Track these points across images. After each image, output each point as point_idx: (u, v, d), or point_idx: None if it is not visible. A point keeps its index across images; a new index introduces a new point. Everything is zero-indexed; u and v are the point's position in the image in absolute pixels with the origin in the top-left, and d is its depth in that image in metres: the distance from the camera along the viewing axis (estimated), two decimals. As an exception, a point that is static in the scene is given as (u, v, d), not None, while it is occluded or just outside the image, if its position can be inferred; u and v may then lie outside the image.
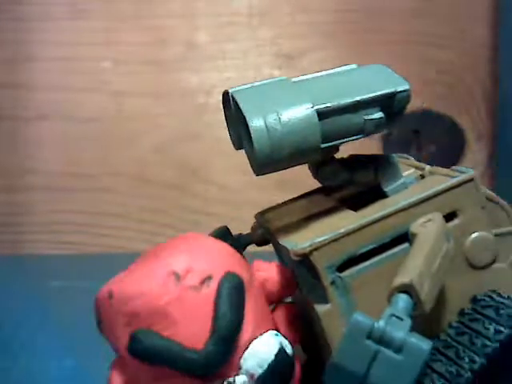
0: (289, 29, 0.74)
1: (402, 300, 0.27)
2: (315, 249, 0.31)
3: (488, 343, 0.29)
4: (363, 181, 0.35)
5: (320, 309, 0.31)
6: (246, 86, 0.34)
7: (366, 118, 0.32)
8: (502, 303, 0.31)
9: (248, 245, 0.39)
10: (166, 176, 0.74)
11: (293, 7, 0.74)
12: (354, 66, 0.36)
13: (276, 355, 0.31)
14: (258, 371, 0.31)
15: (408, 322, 0.26)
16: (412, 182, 0.35)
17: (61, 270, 0.66)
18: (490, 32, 0.75)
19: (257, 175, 0.33)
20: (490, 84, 0.75)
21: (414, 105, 0.79)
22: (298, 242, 0.32)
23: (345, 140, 0.32)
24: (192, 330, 0.30)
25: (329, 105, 0.31)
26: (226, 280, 0.31)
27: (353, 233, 0.31)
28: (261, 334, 0.31)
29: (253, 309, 0.31)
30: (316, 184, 0.38)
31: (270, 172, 0.33)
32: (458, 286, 0.33)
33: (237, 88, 0.34)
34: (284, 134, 0.31)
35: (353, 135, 0.32)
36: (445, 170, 0.35)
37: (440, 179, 0.34)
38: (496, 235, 0.34)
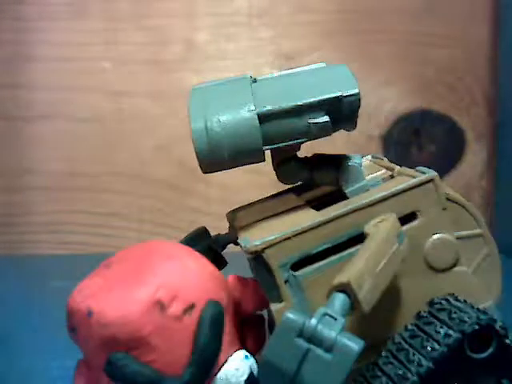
0: (289, 29, 0.74)
1: (339, 299, 0.27)
2: (268, 246, 0.31)
3: (437, 347, 0.29)
4: (324, 181, 0.35)
5: (274, 307, 0.31)
6: (205, 84, 0.34)
7: (311, 121, 0.31)
8: (456, 307, 0.31)
9: (227, 244, 0.39)
10: (165, 176, 0.74)
11: (293, 7, 0.74)
12: (320, 64, 0.35)
13: (246, 381, 0.31)
14: None
15: (341, 322, 0.26)
16: (376, 183, 0.35)
17: (61, 270, 0.66)
18: (490, 32, 0.75)
19: (203, 173, 0.33)
20: (489, 84, 0.75)
21: (414, 105, 0.79)
22: (252, 239, 0.32)
23: (289, 143, 0.32)
24: (171, 358, 0.30)
25: (270, 108, 0.31)
26: (208, 309, 0.31)
27: (306, 231, 0.31)
28: (230, 355, 0.32)
29: (228, 331, 0.32)
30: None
31: (217, 171, 0.33)
32: (418, 289, 0.33)
33: (198, 86, 0.34)
34: (223, 136, 0.31)
35: (296, 138, 0.32)
36: (411, 171, 0.35)
37: (403, 180, 0.34)
38: (459, 238, 0.33)
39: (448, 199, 0.34)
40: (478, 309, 0.31)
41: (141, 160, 0.74)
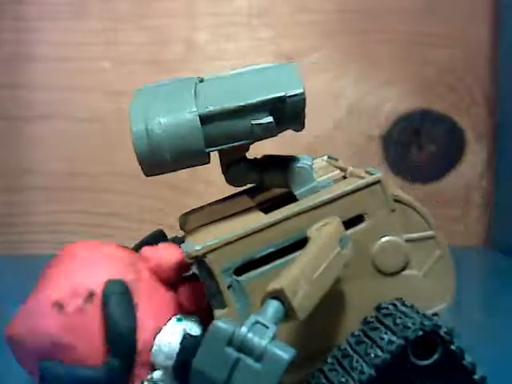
0: (289, 29, 0.74)
1: (272, 306, 0.26)
2: (209, 251, 0.30)
3: (379, 354, 0.29)
4: (274, 184, 0.35)
5: (218, 313, 0.31)
6: (150, 86, 0.34)
7: (254, 122, 0.31)
8: (402, 312, 0.30)
9: None
10: (165, 176, 0.74)
11: (293, 7, 0.74)
12: (266, 65, 0.34)
13: (182, 343, 0.31)
14: (170, 363, 0.31)
15: (272, 330, 0.25)
16: (328, 185, 0.34)
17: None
18: (490, 32, 0.75)
19: (146, 176, 0.33)
20: (489, 84, 0.75)
21: (414, 105, 0.79)
22: (193, 244, 0.31)
23: (232, 144, 0.31)
24: (91, 349, 0.31)
25: (211, 109, 0.31)
26: (108, 290, 0.31)
27: (249, 235, 0.31)
28: (165, 325, 0.32)
29: (148, 304, 0.32)
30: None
31: (160, 173, 0.33)
32: (366, 293, 0.32)
33: (144, 87, 0.34)
34: (164, 138, 0.31)
35: (240, 140, 0.31)
36: (362, 172, 0.34)
37: (351, 181, 0.33)
38: (409, 240, 0.33)
39: (397, 201, 0.33)
40: (423, 314, 0.30)
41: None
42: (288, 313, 0.26)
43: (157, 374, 0.31)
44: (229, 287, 0.31)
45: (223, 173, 0.34)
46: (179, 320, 0.32)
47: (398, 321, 0.30)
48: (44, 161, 0.74)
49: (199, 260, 0.30)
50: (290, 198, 0.33)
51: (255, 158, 0.35)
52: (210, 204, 0.36)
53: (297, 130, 0.33)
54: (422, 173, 0.76)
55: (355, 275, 0.32)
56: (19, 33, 0.73)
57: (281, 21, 0.74)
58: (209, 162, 0.32)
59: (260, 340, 0.25)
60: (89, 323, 0.31)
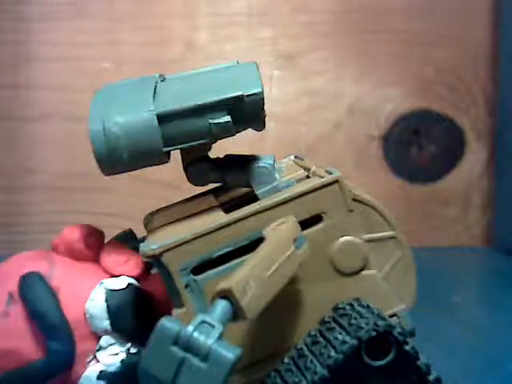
0: (289, 29, 0.74)
1: (221, 306, 0.26)
2: (166, 250, 0.30)
3: (332, 354, 0.28)
4: (236, 183, 0.34)
5: (175, 313, 0.31)
6: (112, 84, 0.34)
7: (212, 121, 0.31)
8: (358, 312, 0.30)
9: None
10: (166, 176, 0.74)
11: (293, 7, 0.74)
12: (232, 63, 0.35)
13: (106, 301, 0.32)
14: (105, 323, 0.32)
15: (219, 329, 0.25)
16: (290, 184, 0.34)
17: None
18: (490, 32, 0.75)
19: (105, 175, 0.33)
20: (489, 84, 0.75)
21: (414, 105, 0.79)
22: (153, 243, 0.31)
23: (191, 143, 0.31)
24: (29, 345, 0.31)
25: (169, 108, 0.30)
26: (22, 287, 0.32)
27: (206, 234, 0.31)
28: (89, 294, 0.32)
29: (69, 283, 0.32)
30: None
31: (119, 173, 0.32)
32: (325, 293, 0.32)
33: (105, 86, 0.33)
34: (121, 137, 0.30)
35: (198, 139, 0.31)
36: (322, 172, 0.33)
37: (311, 181, 0.33)
38: (369, 240, 0.33)
39: (357, 200, 0.33)
40: (378, 314, 0.30)
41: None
42: (236, 312, 0.26)
43: (103, 341, 0.32)
44: (186, 286, 0.31)
45: (185, 172, 0.34)
46: (101, 284, 0.33)
47: (353, 321, 0.30)
48: (44, 161, 0.74)
49: (156, 259, 0.30)
50: (254, 198, 0.33)
51: (217, 158, 0.35)
52: (175, 203, 0.37)
53: (258, 130, 0.33)
54: (422, 173, 0.76)
55: (314, 275, 0.32)
56: (19, 33, 0.73)
57: (281, 21, 0.74)
58: (167, 162, 0.32)
59: (206, 339, 0.24)
60: (17, 321, 0.32)
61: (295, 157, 0.39)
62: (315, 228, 0.32)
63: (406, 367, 0.29)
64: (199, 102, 0.30)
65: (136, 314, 0.32)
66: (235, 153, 0.36)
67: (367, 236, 0.33)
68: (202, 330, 0.25)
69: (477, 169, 0.76)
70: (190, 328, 0.25)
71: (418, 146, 0.76)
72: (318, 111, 0.75)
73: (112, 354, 0.32)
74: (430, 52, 0.75)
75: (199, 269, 0.31)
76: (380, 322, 0.29)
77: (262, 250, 0.28)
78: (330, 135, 0.75)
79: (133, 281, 0.33)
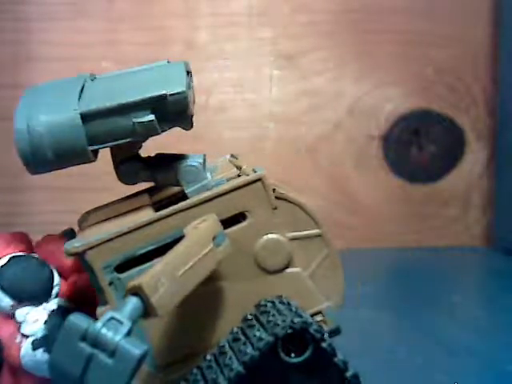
0: (289, 29, 0.74)
1: (131, 303, 0.26)
2: (89, 248, 0.31)
3: (249, 350, 0.29)
4: (166, 182, 0.35)
5: (99, 310, 0.31)
6: (42, 84, 0.34)
7: (135, 120, 0.31)
8: (277, 310, 0.30)
9: None
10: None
11: (293, 7, 0.74)
12: (161, 62, 0.35)
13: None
14: (7, 300, 0.32)
15: (127, 326, 0.25)
16: (220, 183, 0.34)
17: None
18: (490, 32, 0.75)
19: (31, 174, 0.33)
20: (489, 84, 0.75)
21: (414, 105, 0.79)
22: (76, 241, 0.31)
23: (116, 142, 0.31)
24: None
25: (93, 107, 0.31)
26: None
27: (129, 233, 0.31)
28: None
29: None
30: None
31: (44, 172, 0.33)
32: (249, 291, 0.32)
33: (34, 85, 0.34)
34: (45, 136, 0.31)
35: (123, 138, 0.31)
36: (250, 171, 0.34)
37: (236, 180, 0.33)
38: (295, 238, 0.33)
39: (281, 199, 0.33)
40: (296, 312, 0.30)
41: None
42: (147, 309, 0.26)
43: (18, 316, 0.33)
44: (110, 284, 0.31)
45: (115, 170, 0.34)
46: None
47: (271, 318, 0.30)
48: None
49: (80, 257, 0.31)
50: (184, 197, 0.33)
51: (148, 157, 0.35)
52: (111, 202, 0.36)
53: (186, 129, 0.34)
54: (422, 173, 0.76)
55: (238, 273, 0.32)
56: (19, 33, 0.73)
57: (281, 21, 0.74)
58: (94, 160, 0.32)
59: (113, 336, 0.25)
60: None
61: (231, 156, 0.39)
62: (239, 226, 0.32)
63: (324, 364, 0.29)
64: (122, 101, 0.31)
65: (32, 278, 0.33)
66: (169, 152, 0.36)
67: (292, 234, 0.33)
68: (110, 327, 0.25)
69: (477, 169, 0.76)
70: (99, 324, 0.25)
71: (418, 145, 0.76)
72: (318, 111, 0.75)
73: (33, 322, 0.32)
74: (430, 52, 0.75)
75: (124, 267, 0.31)
76: (296, 319, 0.29)
77: (179, 247, 0.29)
78: (330, 135, 0.75)
79: (17, 254, 0.34)
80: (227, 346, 0.30)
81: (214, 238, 0.30)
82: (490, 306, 0.56)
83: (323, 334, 0.29)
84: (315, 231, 0.33)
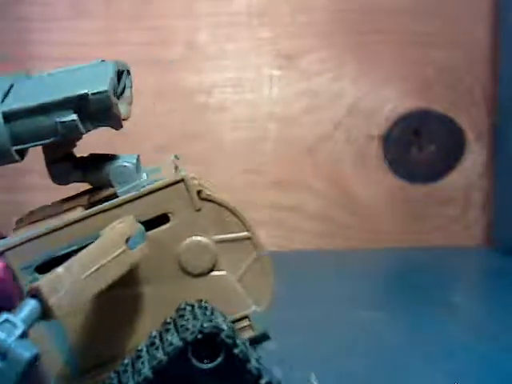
0: (289, 29, 0.74)
1: (29, 305, 0.26)
2: (7, 249, 0.30)
3: (158, 355, 0.28)
4: (99, 182, 0.34)
5: None
6: None
7: (58, 120, 0.31)
8: (194, 314, 0.30)
9: None
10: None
11: (293, 7, 0.74)
12: (95, 62, 0.34)
13: None
14: None
15: (21, 328, 0.25)
16: (152, 183, 0.34)
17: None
18: (490, 32, 0.75)
19: None
20: (489, 84, 0.75)
21: (414, 105, 0.79)
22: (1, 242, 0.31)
23: (40, 142, 0.31)
24: None
25: (14, 107, 0.30)
26: None
27: (48, 234, 0.31)
28: None
29: None
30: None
31: None
32: (173, 294, 0.32)
33: None
34: None
35: (46, 137, 0.31)
36: (177, 172, 0.34)
37: (160, 181, 0.33)
38: (222, 241, 0.32)
39: (207, 200, 0.32)
40: (209, 316, 0.29)
41: (141, 160, 0.74)
42: (45, 311, 0.26)
43: None
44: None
45: (47, 170, 0.34)
46: None
47: (184, 322, 0.29)
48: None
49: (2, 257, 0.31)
50: (116, 197, 0.33)
51: (81, 157, 0.35)
52: (52, 203, 0.36)
53: (115, 129, 0.33)
54: (421, 173, 0.76)
55: (162, 276, 0.32)
56: (19, 33, 0.73)
57: (281, 21, 0.74)
58: (19, 161, 0.32)
59: (6, 338, 0.25)
60: None
61: (174, 156, 0.39)
62: (162, 228, 0.32)
63: (238, 371, 0.29)
64: (43, 101, 0.30)
65: None
66: (99, 152, 0.36)
67: (219, 236, 0.32)
68: (3, 329, 0.25)
69: (477, 169, 0.76)
70: None
71: (418, 145, 0.76)
72: (317, 111, 0.75)
73: None
74: (430, 52, 0.75)
75: (43, 267, 0.31)
76: (206, 324, 0.28)
77: (87, 249, 0.28)
78: (330, 135, 0.75)
79: None
80: (144, 350, 0.30)
81: (127, 240, 0.29)
82: (490, 305, 0.56)
83: (236, 340, 0.28)
84: (244, 234, 0.33)
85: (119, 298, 0.30)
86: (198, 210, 0.32)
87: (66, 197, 0.36)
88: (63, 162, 0.34)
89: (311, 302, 0.55)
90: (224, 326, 0.29)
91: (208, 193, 0.33)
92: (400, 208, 0.76)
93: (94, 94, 0.30)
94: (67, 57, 0.74)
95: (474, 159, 0.76)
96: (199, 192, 0.32)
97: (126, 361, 0.30)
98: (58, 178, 0.34)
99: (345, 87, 0.75)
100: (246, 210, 0.77)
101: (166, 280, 0.32)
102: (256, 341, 0.32)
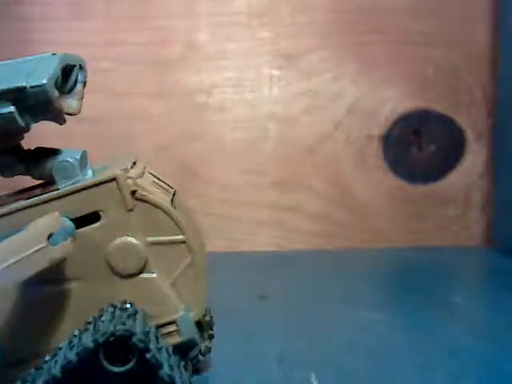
0: (289, 29, 0.74)
1: None
2: None
3: (70, 355, 0.28)
4: (42, 177, 0.34)
5: None
6: None
7: None
8: (112, 315, 0.30)
9: None
10: (166, 176, 0.74)
11: (292, 7, 0.74)
12: (44, 54, 0.34)
13: None
14: None
15: None
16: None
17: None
18: (490, 32, 0.75)
19: None
20: (489, 84, 0.75)
21: (414, 105, 0.79)
22: None
23: None
24: None
25: None
26: None
27: None
28: None
29: None
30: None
31: None
32: (101, 293, 0.31)
33: None
34: None
35: None
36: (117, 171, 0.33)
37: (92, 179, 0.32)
38: (153, 243, 0.32)
39: (142, 200, 0.32)
40: (124, 320, 0.29)
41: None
42: None
43: None
44: None
45: None
46: None
47: (100, 323, 0.29)
48: None
49: None
50: None
51: (28, 150, 0.34)
52: (10, 193, 0.36)
53: (59, 123, 0.34)
54: (421, 173, 0.76)
55: (90, 275, 0.31)
56: (20, 33, 0.73)
57: (281, 21, 0.74)
58: None
59: None
60: None
61: (130, 153, 0.38)
62: (92, 226, 0.31)
63: (149, 376, 0.28)
64: None
65: None
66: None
67: (152, 238, 0.32)
68: None
69: (477, 169, 0.76)
70: None
71: (417, 146, 0.76)
72: (317, 111, 0.75)
73: None
74: (429, 52, 0.75)
75: None
76: (119, 327, 0.28)
77: (5, 241, 0.28)
78: (330, 135, 0.75)
79: None
80: (63, 348, 0.30)
81: (50, 236, 0.29)
82: (490, 305, 0.56)
83: (148, 345, 0.28)
84: (179, 237, 0.32)
85: (47, 295, 0.30)
86: (130, 210, 0.32)
87: (18, 189, 0.36)
88: (8, 155, 0.33)
89: (311, 301, 0.55)
90: (137, 330, 0.28)
91: (143, 193, 0.32)
92: (400, 208, 0.76)
93: (32, 87, 0.30)
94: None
95: (474, 159, 0.76)
96: (134, 192, 0.32)
97: (47, 358, 0.30)
98: (3, 170, 0.34)
99: (345, 87, 0.75)
100: (246, 210, 0.78)
101: (95, 279, 0.31)
102: (183, 347, 0.32)
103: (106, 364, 0.28)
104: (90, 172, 0.33)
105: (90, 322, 0.30)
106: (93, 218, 0.32)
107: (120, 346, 0.28)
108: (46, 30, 0.73)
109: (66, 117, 0.77)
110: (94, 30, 0.73)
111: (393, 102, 0.75)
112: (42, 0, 0.73)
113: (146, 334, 0.29)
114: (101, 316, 0.30)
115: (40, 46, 0.73)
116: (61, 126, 0.79)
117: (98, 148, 0.75)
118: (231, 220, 0.73)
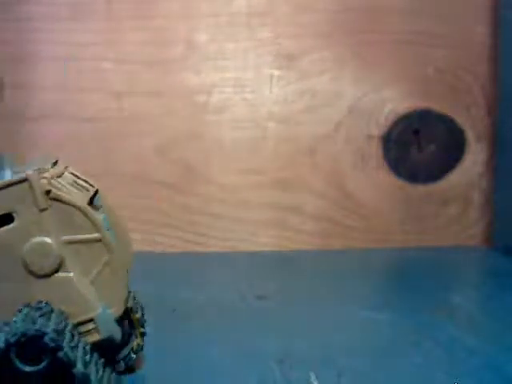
0: (289, 29, 0.74)
1: None
2: None
3: None
4: None
5: None
6: None
7: None
8: (25, 315, 0.30)
9: None
10: (165, 176, 0.74)
11: (293, 7, 0.74)
12: None
13: None
14: None
15: None
16: None
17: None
18: (490, 31, 0.75)
19: None
20: (489, 84, 0.75)
21: (414, 105, 0.79)
22: None
23: None
24: None
25: None
26: None
27: None
28: None
29: None
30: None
31: None
32: (18, 294, 0.32)
33: None
34: None
35: None
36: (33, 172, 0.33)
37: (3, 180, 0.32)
38: (68, 242, 0.32)
39: (56, 200, 0.32)
40: (35, 319, 0.29)
41: (141, 160, 0.74)
42: None
43: None
44: None
45: None
46: None
47: (12, 324, 0.29)
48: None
49: None
50: None
51: None
52: None
53: None
54: (422, 173, 0.76)
55: (7, 276, 0.32)
56: (20, 33, 0.73)
57: (281, 21, 0.74)
58: None
59: None
60: None
61: (52, 156, 0.38)
62: (6, 228, 0.32)
63: (64, 375, 0.29)
64: None
65: None
66: None
67: (67, 237, 0.32)
68: None
69: (477, 169, 0.76)
70: None
71: (417, 146, 0.76)
72: (317, 111, 0.75)
73: None
74: (430, 52, 0.75)
75: None
76: (29, 327, 0.28)
77: None
78: (330, 135, 0.75)
79: None
80: None
81: None
82: (490, 305, 0.56)
83: (60, 344, 0.28)
84: (94, 236, 0.33)
85: None
86: (43, 209, 0.32)
87: None
88: None
89: (311, 301, 0.55)
90: (48, 329, 0.29)
91: (58, 193, 0.32)
92: (400, 208, 0.76)
93: None
94: (68, 57, 0.74)
95: (474, 159, 0.76)
96: (49, 192, 0.32)
97: None
98: None
99: (345, 87, 0.75)
100: (245, 210, 0.78)
101: (11, 280, 0.32)
102: (104, 345, 0.32)
103: (18, 364, 0.28)
104: (8, 174, 0.33)
105: (7, 323, 0.30)
106: (7, 219, 0.32)
107: (32, 345, 0.28)
108: (45, 30, 0.73)
109: (66, 116, 0.77)
110: (94, 30, 0.73)
111: (393, 102, 0.75)
112: (42, 0, 0.73)
113: (59, 332, 0.29)
114: (15, 316, 0.31)
115: (40, 46, 0.73)
116: (61, 127, 0.79)
117: (98, 148, 0.75)
118: (231, 220, 0.73)
